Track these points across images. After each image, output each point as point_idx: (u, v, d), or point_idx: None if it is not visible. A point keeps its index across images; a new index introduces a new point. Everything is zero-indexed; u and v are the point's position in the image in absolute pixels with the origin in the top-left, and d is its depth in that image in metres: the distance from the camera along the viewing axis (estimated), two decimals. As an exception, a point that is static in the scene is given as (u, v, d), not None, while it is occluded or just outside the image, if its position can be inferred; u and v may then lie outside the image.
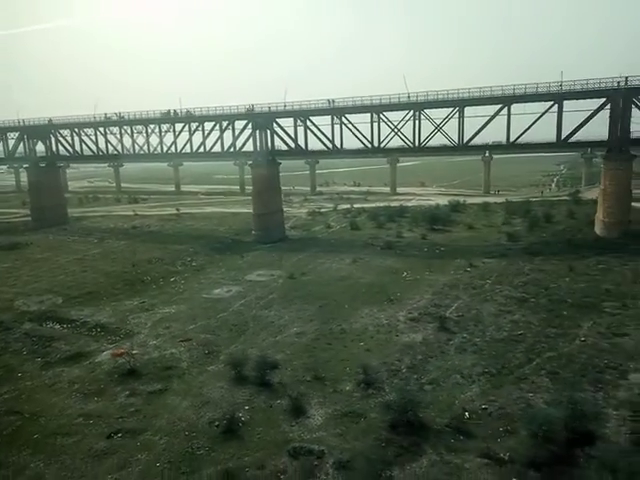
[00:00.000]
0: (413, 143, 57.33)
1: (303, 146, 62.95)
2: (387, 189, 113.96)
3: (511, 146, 54.41)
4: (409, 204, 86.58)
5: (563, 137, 52.07)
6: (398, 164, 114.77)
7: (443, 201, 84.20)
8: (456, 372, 23.38)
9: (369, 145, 59.31)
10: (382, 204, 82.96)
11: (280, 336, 29.64)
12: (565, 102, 51.19)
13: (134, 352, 27.11)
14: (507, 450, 16.89)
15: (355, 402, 21.13)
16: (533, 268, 41.07)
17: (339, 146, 61.50)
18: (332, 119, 60.26)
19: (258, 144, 62.84)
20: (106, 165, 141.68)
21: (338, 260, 48.69)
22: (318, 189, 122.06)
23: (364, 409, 20.52)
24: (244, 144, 64.42)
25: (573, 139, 53.31)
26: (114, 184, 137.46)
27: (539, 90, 51.78)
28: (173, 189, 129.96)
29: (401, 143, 58.65)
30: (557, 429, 16.83)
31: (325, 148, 61.94)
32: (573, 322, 28.22)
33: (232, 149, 65.49)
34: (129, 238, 63.43)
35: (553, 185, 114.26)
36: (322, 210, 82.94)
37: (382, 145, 58.99)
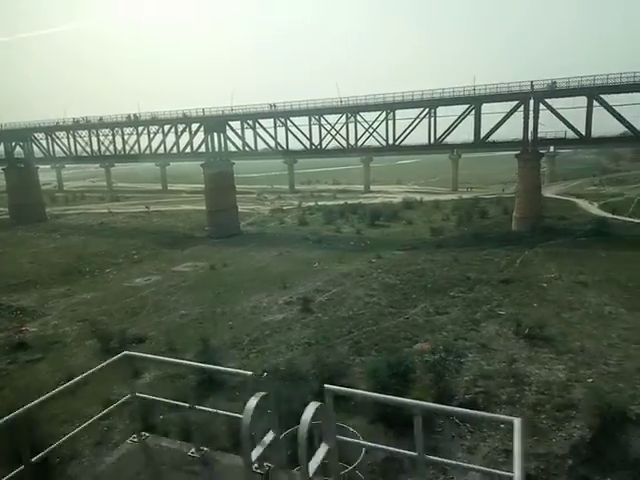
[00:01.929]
0: (387, 142, 60.05)
1: (253, 147, 67.31)
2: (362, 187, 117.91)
3: (433, 146, 57.71)
4: (373, 201, 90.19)
5: (481, 137, 55.55)
6: (378, 163, 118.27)
7: (413, 198, 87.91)
8: (285, 343, 27.36)
9: (345, 145, 62.24)
10: (350, 201, 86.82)
11: (166, 317, 33.89)
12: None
13: (32, 330, 31.61)
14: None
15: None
16: (427, 259, 44.63)
17: (285, 147, 65.73)
18: (275, 122, 64.36)
19: (210, 145, 67.31)
20: (97, 165, 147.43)
21: (267, 253, 52.78)
22: (297, 187, 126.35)
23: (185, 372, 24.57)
24: (200, 145, 68.98)
25: (497, 139, 56.90)
26: (105, 183, 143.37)
27: (461, 94, 55.09)
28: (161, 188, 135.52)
29: (376, 143, 61.61)
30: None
31: (270, 149, 66.13)
32: (413, 303, 31.95)
33: (190, 150, 70.09)
34: (91, 234, 68.33)
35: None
36: (286, 208, 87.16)
37: (359, 145, 62.01)
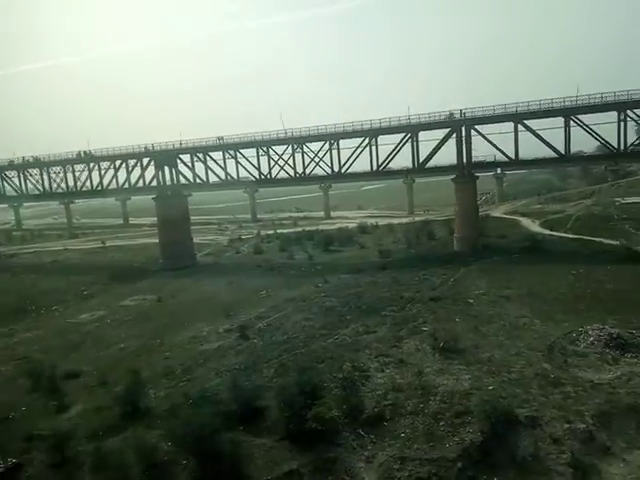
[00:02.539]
0: (332, 170, 61.96)
1: (205, 179, 68.51)
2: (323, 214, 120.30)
3: (375, 173, 60.09)
4: (331, 227, 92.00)
5: (420, 163, 58.30)
6: (342, 190, 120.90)
7: (369, 222, 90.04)
8: (215, 370, 28.04)
9: (292, 174, 64.00)
10: (308, 228, 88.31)
11: (104, 352, 34.09)
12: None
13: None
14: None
15: (110, 399, 25.57)
16: (370, 281, 46.07)
17: (236, 178, 67.19)
18: (224, 154, 65.92)
19: (161, 179, 68.22)
20: (57, 203, 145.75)
21: (217, 283, 53.35)
22: (260, 216, 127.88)
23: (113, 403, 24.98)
24: (152, 179, 69.76)
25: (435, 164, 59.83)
26: (64, 220, 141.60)
27: (397, 124, 57.92)
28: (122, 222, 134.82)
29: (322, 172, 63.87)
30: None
31: (220, 180, 67.43)
32: (346, 324, 33.13)
33: (142, 184, 70.77)
34: (42, 272, 67.59)
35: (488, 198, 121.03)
36: (244, 237, 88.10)
37: (307, 173, 63.93)
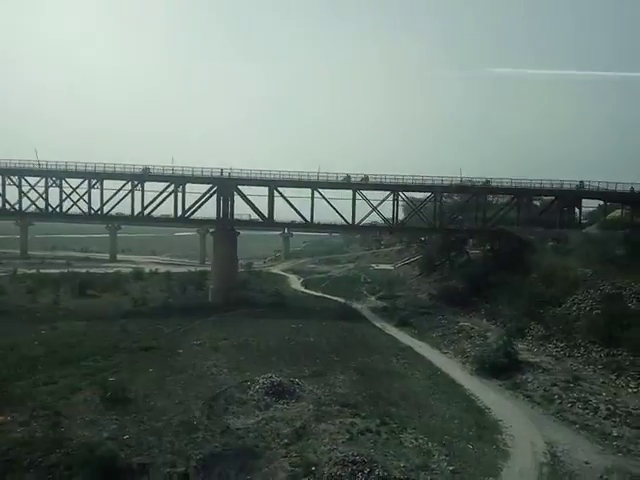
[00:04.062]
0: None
1: None
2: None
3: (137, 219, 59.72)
4: (107, 271, 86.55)
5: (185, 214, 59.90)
6: (147, 233, 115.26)
7: (148, 269, 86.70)
8: None
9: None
10: (78, 270, 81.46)
11: None
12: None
13: None
14: None
15: None
16: (99, 329, 44.05)
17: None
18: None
19: None
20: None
21: None
22: (34, 253, 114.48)
23: None
24: None
25: (197, 216, 62.00)
26: None
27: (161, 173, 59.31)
28: None
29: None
30: None
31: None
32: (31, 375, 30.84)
33: None
34: None
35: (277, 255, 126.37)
36: (-4, 275, 77.38)
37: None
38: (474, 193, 62.61)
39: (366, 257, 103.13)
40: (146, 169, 59.70)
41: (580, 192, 59.72)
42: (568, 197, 59.95)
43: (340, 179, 60.64)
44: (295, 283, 76.67)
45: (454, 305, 52.74)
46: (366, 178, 60.13)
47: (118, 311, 53.77)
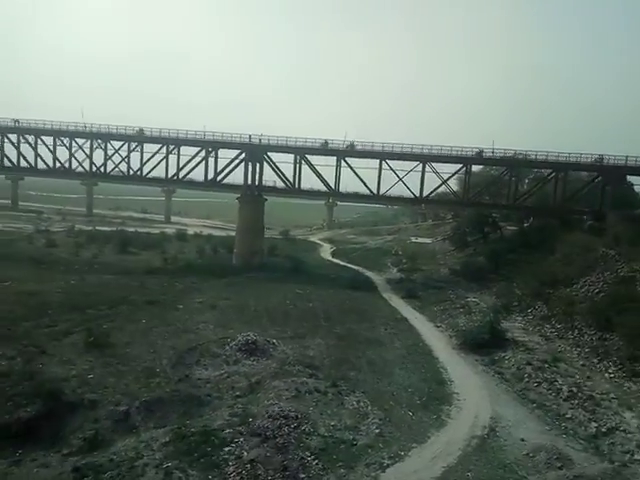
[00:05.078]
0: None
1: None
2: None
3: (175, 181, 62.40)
4: (155, 231, 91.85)
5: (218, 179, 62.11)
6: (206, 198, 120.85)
7: (193, 230, 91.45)
8: None
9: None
10: (132, 229, 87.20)
11: None
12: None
13: None
14: None
15: None
16: (119, 283, 47.25)
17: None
18: (54, 140, 64.07)
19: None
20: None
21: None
22: (98, 211, 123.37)
23: None
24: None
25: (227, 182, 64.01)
26: None
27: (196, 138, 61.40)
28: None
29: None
30: None
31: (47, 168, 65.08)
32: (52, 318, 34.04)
33: None
34: None
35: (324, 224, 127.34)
36: (55, 230, 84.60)
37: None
38: (509, 165, 59.47)
39: (408, 230, 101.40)
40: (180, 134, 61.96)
41: (626, 168, 54.95)
42: (613, 173, 55.32)
43: (367, 148, 59.81)
44: (326, 252, 77.32)
45: (472, 281, 51.18)
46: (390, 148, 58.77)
47: (147, 267, 57.25)
